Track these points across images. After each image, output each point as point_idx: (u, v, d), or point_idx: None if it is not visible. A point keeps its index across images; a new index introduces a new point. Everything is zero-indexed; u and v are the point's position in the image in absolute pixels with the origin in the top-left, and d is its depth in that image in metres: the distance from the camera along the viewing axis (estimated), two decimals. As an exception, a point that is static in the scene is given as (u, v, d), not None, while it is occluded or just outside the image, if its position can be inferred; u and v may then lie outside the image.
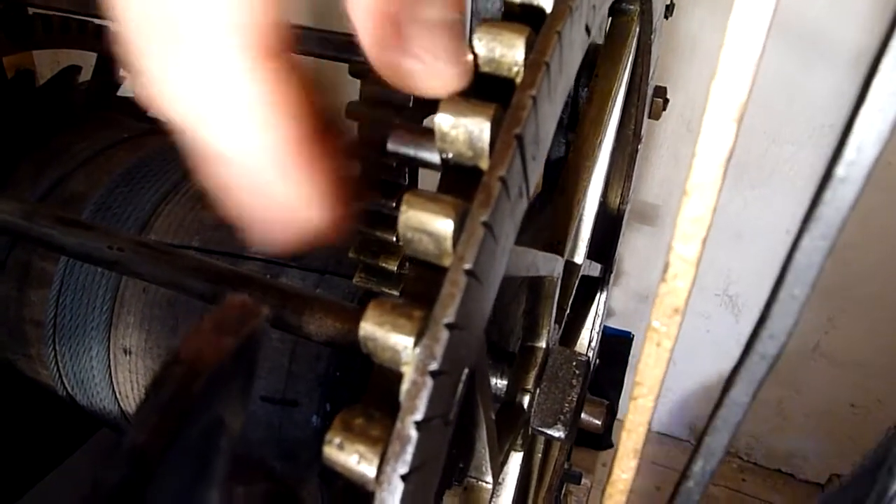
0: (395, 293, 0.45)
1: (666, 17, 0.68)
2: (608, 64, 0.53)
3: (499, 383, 0.46)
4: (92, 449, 0.82)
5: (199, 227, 0.64)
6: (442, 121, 0.22)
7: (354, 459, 0.20)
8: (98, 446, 0.82)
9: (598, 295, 0.77)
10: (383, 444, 0.20)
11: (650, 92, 0.70)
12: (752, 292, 1.49)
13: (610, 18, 0.55)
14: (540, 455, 0.65)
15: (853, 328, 1.44)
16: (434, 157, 0.23)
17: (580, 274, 0.56)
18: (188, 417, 0.18)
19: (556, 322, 0.48)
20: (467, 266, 0.21)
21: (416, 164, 0.25)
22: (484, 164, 0.22)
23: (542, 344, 0.47)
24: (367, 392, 0.22)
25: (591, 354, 0.76)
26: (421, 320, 0.20)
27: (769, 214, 1.36)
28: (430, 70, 0.21)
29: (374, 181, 0.42)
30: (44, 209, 0.43)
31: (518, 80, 0.23)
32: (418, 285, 0.22)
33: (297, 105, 0.19)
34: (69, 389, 0.69)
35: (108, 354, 0.65)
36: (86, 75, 0.84)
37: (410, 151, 0.25)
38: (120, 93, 0.87)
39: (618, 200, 0.77)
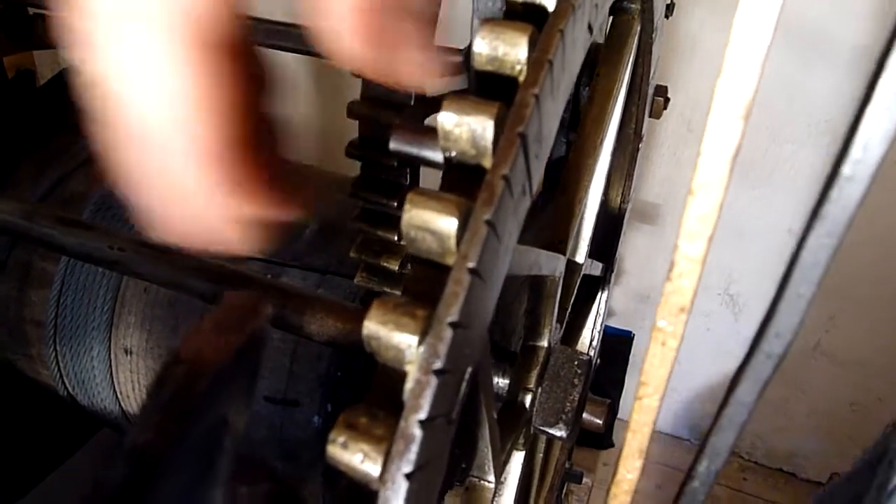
0: (397, 293, 0.45)
1: (666, 17, 0.68)
2: (609, 63, 0.53)
3: (501, 382, 0.46)
4: (93, 449, 0.82)
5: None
6: (445, 119, 0.22)
7: (358, 458, 0.20)
8: (99, 446, 0.82)
9: (599, 294, 0.77)
10: (387, 443, 0.20)
11: (651, 91, 0.70)
12: (753, 291, 1.48)
13: (611, 17, 0.55)
14: (541, 454, 0.65)
15: (854, 327, 1.44)
16: (437, 156, 0.23)
17: (582, 273, 0.56)
18: (191, 417, 0.18)
19: (557, 321, 0.48)
20: (471, 264, 0.21)
21: (419, 162, 0.25)
22: (487, 163, 0.22)
23: (544, 343, 0.47)
24: (371, 391, 0.22)
25: (592, 354, 0.76)
26: (425, 319, 0.20)
27: (770, 213, 1.36)
28: (426, 61, 0.21)
29: (373, 182, 0.41)
30: (44, 209, 0.43)
31: (521, 78, 0.23)
32: (421, 284, 0.22)
33: (226, 99, 0.19)
34: (70, 390, 0.69)
35: (109, 354, 0.65)
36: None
37: (413, 150, 0.25)
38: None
39: (619, 199, 0.77)
